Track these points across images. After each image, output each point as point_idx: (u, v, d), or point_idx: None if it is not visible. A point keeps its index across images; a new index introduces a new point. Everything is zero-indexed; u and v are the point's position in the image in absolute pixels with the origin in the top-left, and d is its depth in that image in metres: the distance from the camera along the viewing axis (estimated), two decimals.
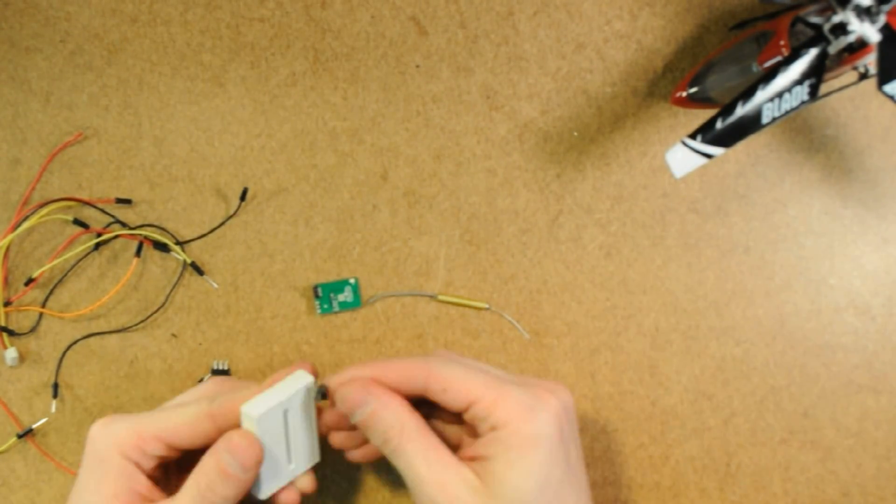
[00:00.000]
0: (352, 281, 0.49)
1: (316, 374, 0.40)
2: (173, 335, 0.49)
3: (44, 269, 0.49)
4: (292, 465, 0.39)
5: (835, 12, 0.39)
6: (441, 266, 0.49)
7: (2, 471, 0.49)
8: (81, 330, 0.49)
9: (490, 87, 0.49)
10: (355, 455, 0.41)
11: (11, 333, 0.49)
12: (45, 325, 0.49)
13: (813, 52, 0.39)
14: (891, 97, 0.39)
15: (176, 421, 0.38)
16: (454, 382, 0.37)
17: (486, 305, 0.49)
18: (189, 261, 0.49)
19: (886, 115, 0.48)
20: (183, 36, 0.50)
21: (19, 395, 0.49)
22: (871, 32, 0.38)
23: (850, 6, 0.38)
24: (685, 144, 0.39)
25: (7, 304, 0.49)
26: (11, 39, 0.50)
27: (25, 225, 0.49)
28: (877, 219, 0.49)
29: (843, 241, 0.49)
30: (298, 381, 0.38)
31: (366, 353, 0.49)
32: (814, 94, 0.39)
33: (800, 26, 0.42)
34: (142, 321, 0.49)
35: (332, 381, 0.39)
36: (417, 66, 0.50)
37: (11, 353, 0.48)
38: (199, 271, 0.49)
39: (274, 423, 0.37)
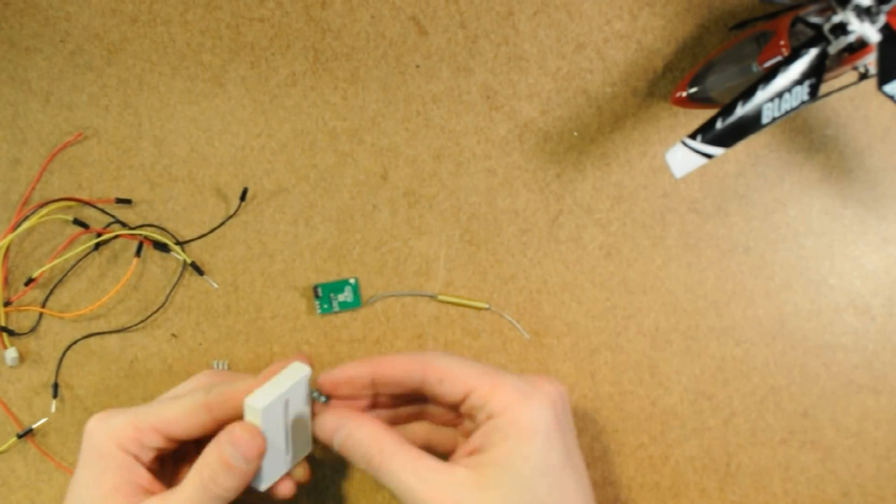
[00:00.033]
0: (352, 281, 0.49)
1: (311, 366, 0.40)
2: (173, 335, 0.49)
3: (44, 269, 0.49)
4: (290, 455, 0.39)
5: (835, 12, 0.39)
6: (441, 266, 0.49)
7: (2, 471, 0.49)
8: (81, 330, 0.49)
9: (490, 87, 0.49)
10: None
11: (11, 333, 0.49)
12: (45, 325, 0.49)
13: (813, 52, 0.39)
14: (891, 97, 0.39)
15: (173, 412, 0.39)
16: (451, 373, 0.38)
17: (486, 305, 0.49)
18: (189, 261, 0.49)
19: (886, 115, 0.48)
20: (183, 36, 0.50)
21: (19, 395, 0.49)
22: (871, 32, 0.38)
23: (850, 6, 0.38)
24: (685, 144, 0.39)
25: (7, 304, 0.49)
26: (11, 39, 0.50)
27: (25, 225, 0.49)
28: (877, 219, 0.49)
29: (843, 241, 0.49)
30: (297, 373, 0.38)
31: (366, 353, 0.49)
32: (814, 94, 0.39)
33: (800, 26, 0.42)
34: (142, 321, 0.49)
35: (327, 377, 0.39)
36: (417, 66, 0.50)
37: (11, 353, 0.48)
38: (199, 271, 0.49)
39: (275, 414, 0.38)
